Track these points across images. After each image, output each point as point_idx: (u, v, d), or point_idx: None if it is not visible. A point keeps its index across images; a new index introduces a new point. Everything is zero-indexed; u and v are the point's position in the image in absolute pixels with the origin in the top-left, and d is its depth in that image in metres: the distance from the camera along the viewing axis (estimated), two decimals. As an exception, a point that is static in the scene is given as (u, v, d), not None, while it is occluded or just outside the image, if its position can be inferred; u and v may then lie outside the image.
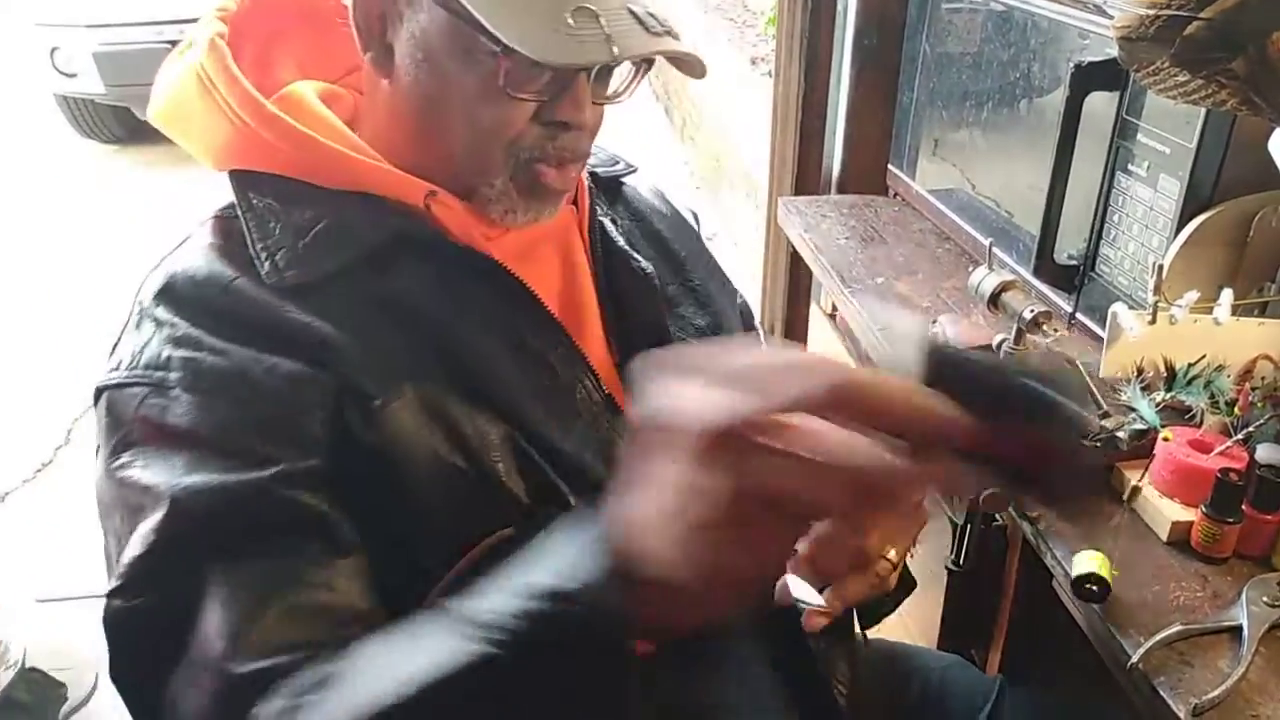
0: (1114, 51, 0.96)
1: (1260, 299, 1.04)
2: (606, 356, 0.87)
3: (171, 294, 0.74)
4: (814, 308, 1.98)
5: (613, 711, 0.50)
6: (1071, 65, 1.16)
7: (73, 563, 2.33)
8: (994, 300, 0.98)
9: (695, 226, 1.05)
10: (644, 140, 5.07)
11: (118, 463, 0.70)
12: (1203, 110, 1.02)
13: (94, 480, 0.73)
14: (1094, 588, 0.88)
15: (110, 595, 0.67)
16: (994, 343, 0.99)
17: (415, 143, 0.79)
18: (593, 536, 0.47)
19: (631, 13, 0.73)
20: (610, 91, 0.80)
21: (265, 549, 0.68)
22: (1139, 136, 1.12)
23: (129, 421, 0.71)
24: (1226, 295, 0.98)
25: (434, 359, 0.75)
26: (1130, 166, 1.14)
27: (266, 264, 0.74)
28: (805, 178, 2.03)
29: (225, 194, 0.80)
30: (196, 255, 0.76)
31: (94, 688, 1.88)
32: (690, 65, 0.77)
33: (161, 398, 0.70)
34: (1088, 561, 0.89)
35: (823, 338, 1.85)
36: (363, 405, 0.71)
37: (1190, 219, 1.05)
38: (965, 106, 1.53)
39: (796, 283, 2.10)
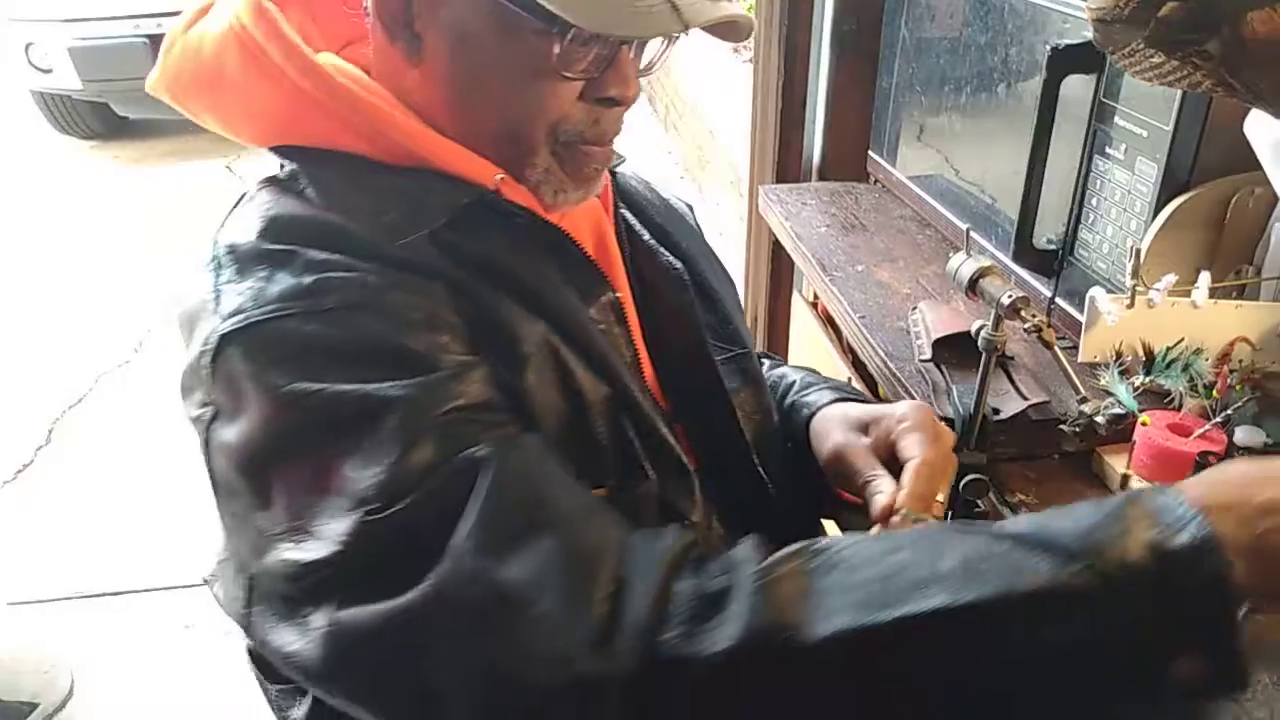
0: (1090, 34, 0.95)
1: (1238, 281, 1.04)
2: (644, 348, 0.87)
3: (279, 228, 0.69)
4: (796, 296, 1.97)
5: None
6: (1048, 48, 1.15)
7: (52, 565, 2.32)
8: (972, 286, 0.97)
9: (691, 218, 1.04)
10: (627, 129, 5.05)
11: (300, 389, 0.63)
12: (1179, 92, 1.01)
13: (240, 435, 0.66)
14: None
15: (367, 514, 0.60)
16: (973, 329, 0.99)
17: (453, 130, 0.77)
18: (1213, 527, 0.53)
19: None
20: (645, 64, 0.79)
21: (503, 432, 0.65)
22: (1116, 119, 1.11)
23: (293, 350, 0.65)
24: (1204, 278, 0.98)
25: (537, 313, 0.74)
26: (1108, 150, 1.13)
27: (351, 225, 0.70)
28: (786, 165, 2.02)
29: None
30: (280, 199, 0.72)
31: (69, 693, 1.86)
32: (739, 29, 0.76)
33: (320, 322, 0.65)
34: None
35: (805, 327, 1.85)
36: (505, 348, 0.70)
37: (1167, 202, 1.04)
38: (945, 91, 1.52)
39: (779, 271, 2.09)
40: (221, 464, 0.68)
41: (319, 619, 0.61)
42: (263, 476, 0.65)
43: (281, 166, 0.77)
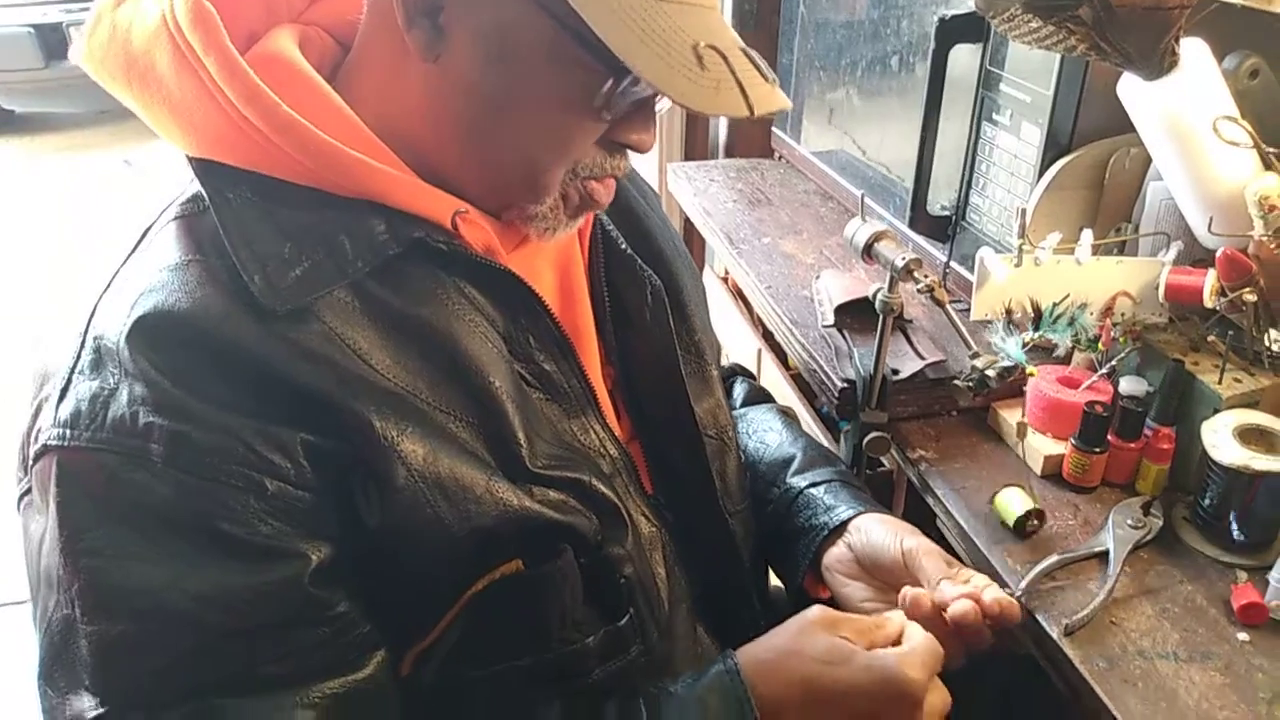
0: (974, 3, 0.98)
1: (1118, 238, 1.09)
2: (602, 381, 0.84)
3: (143, 336, 0.62)
4: (708, 271, 1.99)
5: None
6: (936, 19, 1.18)
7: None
8: (868, 250, 1.00)
9: (654, 195, 1.01)
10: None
11: (85, 544, 0.60)
12: (1058, 58, 1.05)
13: (37, 545, 0.64)
14: (1036, 521, 0.92)
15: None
16: (870, 293, 1.01)
17: (454, 144, 0.71)
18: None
19: (745, 52, 0.67)
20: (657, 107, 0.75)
21: (285, 657, 0.63)
22: (1002, 86, 1.15)
23: (99, 495, 0.61)
24: (1086, 236, 1.02)
25: (447, 383, 0.69)
26: (995, 116, 1.17)
27: (257, 278, 0.63)
28: (694, 144, 2.04)
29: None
30: (171, 281, 0.63)
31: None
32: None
33: (143, 471, 0.60)
34: (1020, 499, 0.92)
35: (717, 301, 1.87)
36: (370, 484, 0.65)
37: (1051, 164, 1.09)
38: (843, 67, 1.55)
39: (690, 247, 2.10)
40: (27, 536, 0.67)
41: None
42: (43, 581, 0.64)
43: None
